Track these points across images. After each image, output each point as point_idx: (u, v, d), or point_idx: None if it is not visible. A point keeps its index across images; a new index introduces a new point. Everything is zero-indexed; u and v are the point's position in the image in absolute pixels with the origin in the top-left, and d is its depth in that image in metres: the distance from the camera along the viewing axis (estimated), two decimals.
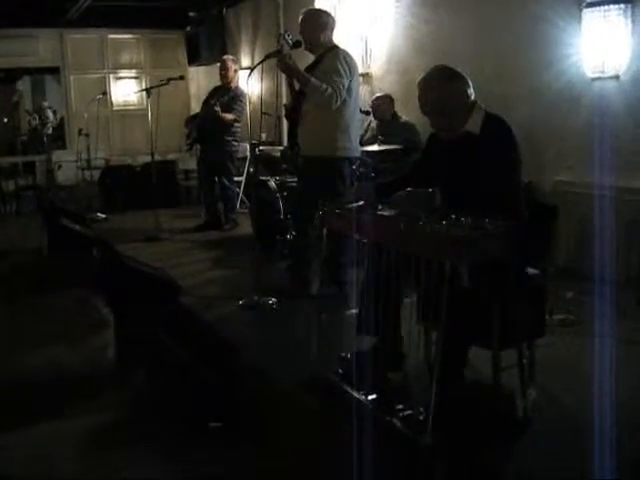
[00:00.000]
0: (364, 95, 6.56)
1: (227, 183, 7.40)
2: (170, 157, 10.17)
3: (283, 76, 4.98)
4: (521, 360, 2.95)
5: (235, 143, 7.36)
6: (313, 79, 4.40)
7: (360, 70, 5.21)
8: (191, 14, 10.47)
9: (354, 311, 3.47)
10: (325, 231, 3.22)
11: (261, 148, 6.97)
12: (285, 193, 5.93)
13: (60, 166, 10.41)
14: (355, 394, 2.92)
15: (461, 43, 5.89)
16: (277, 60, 4.54)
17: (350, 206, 3.04)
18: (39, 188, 10.31)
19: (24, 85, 14.51)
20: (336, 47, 4.63)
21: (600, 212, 4.42)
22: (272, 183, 6.06)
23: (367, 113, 6.30)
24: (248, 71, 4.97)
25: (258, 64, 4.82)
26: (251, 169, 6.79)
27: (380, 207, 2.87)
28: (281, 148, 7.25)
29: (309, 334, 3.43)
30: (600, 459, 2.39)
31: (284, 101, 7.76)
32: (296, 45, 4.62)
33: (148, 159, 7.71)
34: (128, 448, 2.73)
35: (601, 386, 2.88)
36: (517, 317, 2.84)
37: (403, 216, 2.67)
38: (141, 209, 8.24)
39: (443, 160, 2.99)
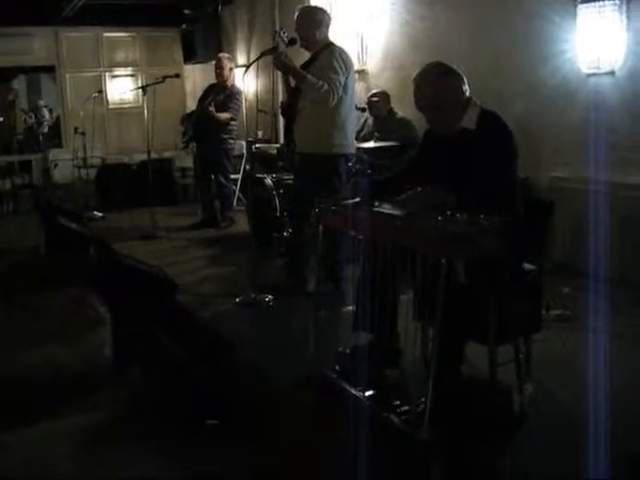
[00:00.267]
0: (360, 92, 6.56)
1: (223, 181, 7.40)
2: (166, 155, 10.17)
3: (279, 73, 4.96)
4: (517, 355, 2.95)
5: (231, 141, 7.35)
6: (309, 76, 4.40)
7: (356, 67, 5.22)
8: (186, 12, 10.45)
9: (351, 308, 3.47)
10: (321, 228, 3.22)
11: (257, 146, 6.95)
12: (281, 190, 5.93)
13: (56, 165, 10.40)
14: (352, 390, 2.92)
15: (457, 40, 5.89)
16: (273, 58, 4.54)
17: (346, 203, 3.04)
18: (35, 187, 10.31)
19: (20, 84, 14.48)
20: (332, 44, 4.63)
21: (595, 208, 4.42)
22: (268, 181, 6.06)
23: (363, 110, 6.30)
24: (244, 69, 4.96)
25: (254, 61, 4.80)
26: (247, 167, 6.80)
27: (377, 204, 2.87)
28: (277, 145, 7.25)
29: (306, 331, 3.43)
30: (595, 454, 2.40)
31: (280, 98, 7.75)
32: (292, 42, 4.62)
33: (144, 157, 7.71)
34: (125, 446, 2.72)
35: (596, 381, 2.89)
36: (513, 313, 2.84)
37: (413, 216, 2.66)
38: (138, 207, 8.23)
39: (439, 156, 2.99)
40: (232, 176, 7.73)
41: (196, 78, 11.34)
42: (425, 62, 3.06)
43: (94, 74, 11.32)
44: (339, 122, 4.53)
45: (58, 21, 10.51)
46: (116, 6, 10.35)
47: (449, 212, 2.55)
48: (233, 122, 7.22)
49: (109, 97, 11.43)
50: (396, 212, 2.74)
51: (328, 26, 4.66)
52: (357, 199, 3.02)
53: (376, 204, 2.85)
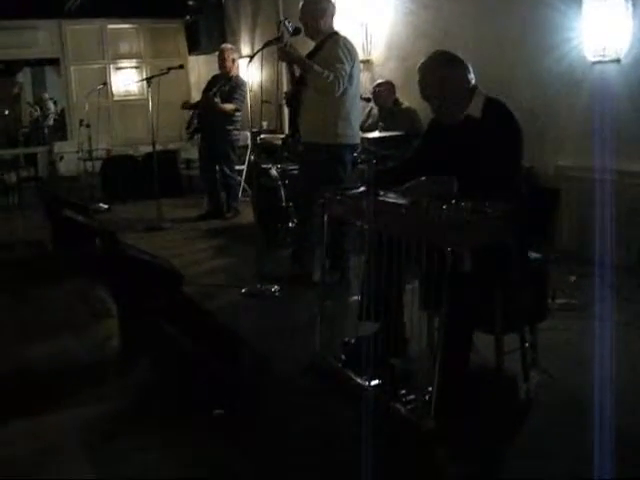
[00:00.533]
0: (365, 82, 6.55)
1: (229, 172, 7.41)
2: (171, 147, 10.17)
3: (283, 64, 4.95)
4: (523, 344, 2.96)
5: (236, 132, 7.36)
6: (316, 66, 4.39)
7: (360, 57, 5.19)
8: (190, 3, 10.40)
9: (356, 298, 3.48)
10: (326, 218, 3.22)
11: (262, 136, 6.94)
12: (287, 181, 5.93)
13: (62, 157, 10.43)
14: (358, 380, 2.93)
15: (461, 28, 5.86)
16: (277, 49, 4.53)
17: (351, 192, 3.04)
18: (41, 180, 10.33)
19: (24, 77, 14.52)
20: (336, 34, 4.61)
21: (601, 196, 4.41)
22: (273, 171, 6.06)
23: (368, 100, 6.29)
24: (248, 59, 4.95)
25: (258, 52, 4.79)
26: (252, 157, 6.78)
27: (382, 193, 2.86)
28: (282, 136, 7.24)
29: (312, 321, 3.44)
30: (601, 441, 2.40)
31: (285, 89, 7.74)
32: (296, 32, 4.60)
33: (149, 149, 7.71)
34: (131, 437, 2.74)
35: (602, 369, 2.89)
36: (519, 301, 2.84)
37: (418, 204, 2.65)
38: (143, 199, 8.25)
39: (444, 145, 2.98)
40: (237, 167, 7.74)
41: (200, 69, 11.32)
42: (430, 51, 3.05)
43: (99, 66, 11.30)
44: (344, 112, 4.52)
45: (62, 13, 10.48)
46: None
47: (454, 200, 2.54)
48: (238, 113, 7.23)
49: (114, 89, 11.41)
50: (401, 201, 2.74)
51: (333, 15, 4.65)
52: (362, 188, 3.02)
53: (381, 193, 2.84)
